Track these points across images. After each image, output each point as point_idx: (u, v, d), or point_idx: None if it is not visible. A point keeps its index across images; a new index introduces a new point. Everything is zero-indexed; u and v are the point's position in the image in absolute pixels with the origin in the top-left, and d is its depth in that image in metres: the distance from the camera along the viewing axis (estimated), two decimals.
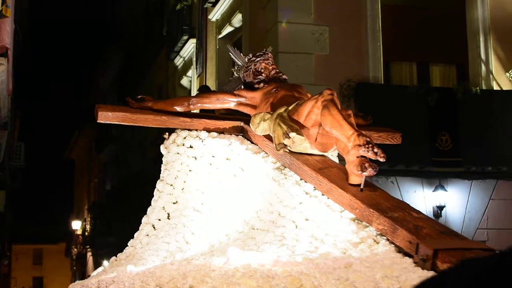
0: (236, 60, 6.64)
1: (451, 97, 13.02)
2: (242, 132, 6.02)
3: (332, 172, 4.91)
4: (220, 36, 17.02)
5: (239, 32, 15.95)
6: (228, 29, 16.59)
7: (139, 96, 6.12)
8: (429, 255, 3.81)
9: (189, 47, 19.62)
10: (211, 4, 16.83)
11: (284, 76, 6.25)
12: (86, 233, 38.26)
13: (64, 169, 54.02)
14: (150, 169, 22.21)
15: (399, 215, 4.27)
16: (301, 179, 5.09)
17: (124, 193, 27.20)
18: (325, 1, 12.98)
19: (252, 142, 5.81)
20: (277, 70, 6.30)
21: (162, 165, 5.99)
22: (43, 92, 71.79)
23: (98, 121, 5.94)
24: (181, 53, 20.37)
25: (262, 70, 6.24)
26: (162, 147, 6.08)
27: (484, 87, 13.38)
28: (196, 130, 6.00)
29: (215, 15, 17.02)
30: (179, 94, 19.72)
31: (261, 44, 13.64)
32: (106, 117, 5.85)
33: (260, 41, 13.64)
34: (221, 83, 16.57)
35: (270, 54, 6.40)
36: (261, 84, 6.16)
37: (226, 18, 16.53)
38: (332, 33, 12.86)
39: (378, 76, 12.89)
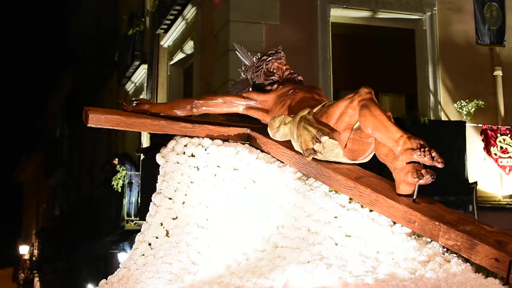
0: (243, 60, 5.97)
1: (400, 127, 13.10)
2: (249, 140, 5.36)
3: (372, 182, 4.28)
4: (172, 62, 17.01)
5: (190, 58, 15.95)
6: (179, 56, 16.59)
7: (133, 99, 5.56)
8: None
9: (141, 73, 19.52)
10: (163, 31, 16.80)
11: (299, 77, 5.62)
12: (34, 258, 37.70)
13: (12, 192, 53.15)
14: (99, 194, 22.01)
15: (472, 228, 3.63)
16: (330, 190, 4.46)
17: (73, 218, 26.86)
18: (276, 30, 13.05)
19: (262, 151, 5.16)
20: (291, 71, 5.64)
21: (159, 176, 5.30)
22: None
23: (88, 125, 5.26)
24: (133, 78, 20.26)
25: (274, 71, 5.61)
26: (158, 156, 5.39)
27: (432, 118, 13.55)
28: (198, 137, 5.33)
29: (167, 41, 17.00)
30: None
31: (212, 71, 13.67)
32: (98, 120, 5.22)
33: (211, 68, 13.66)
34: None
35: (283, 53, 5.76)
36: (274, 86, 5.52)
37: (178, 44, 16.52)
38: None
39: None
